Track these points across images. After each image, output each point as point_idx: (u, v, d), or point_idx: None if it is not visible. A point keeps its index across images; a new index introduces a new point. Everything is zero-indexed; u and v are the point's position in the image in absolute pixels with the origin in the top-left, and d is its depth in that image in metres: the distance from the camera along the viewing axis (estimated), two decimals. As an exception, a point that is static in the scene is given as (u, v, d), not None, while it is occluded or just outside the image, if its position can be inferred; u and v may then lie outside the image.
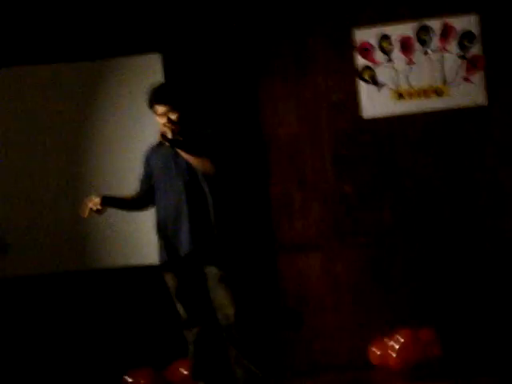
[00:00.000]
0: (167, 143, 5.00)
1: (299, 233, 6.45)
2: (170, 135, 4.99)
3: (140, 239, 6.21)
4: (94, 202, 5.02)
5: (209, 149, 5.07)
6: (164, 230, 5.12)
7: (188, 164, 5.07)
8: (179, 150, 5.01)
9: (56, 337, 6.32)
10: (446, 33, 6.32)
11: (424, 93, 6.34)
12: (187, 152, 5.01)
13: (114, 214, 6.09)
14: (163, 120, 5.07)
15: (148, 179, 5.27)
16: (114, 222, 6.24)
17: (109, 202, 5.11)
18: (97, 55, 6.40)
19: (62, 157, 6.45)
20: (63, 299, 6.37)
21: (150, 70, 6.28)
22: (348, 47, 6.41)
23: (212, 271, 5.08)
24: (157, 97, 5.10)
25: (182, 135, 5.03)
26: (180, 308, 5.16)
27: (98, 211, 5.03)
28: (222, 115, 6.33)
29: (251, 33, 6.49)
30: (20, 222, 6.38)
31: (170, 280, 5.16)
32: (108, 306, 6.36)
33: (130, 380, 5.90)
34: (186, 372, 5.73)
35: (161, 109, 5.07)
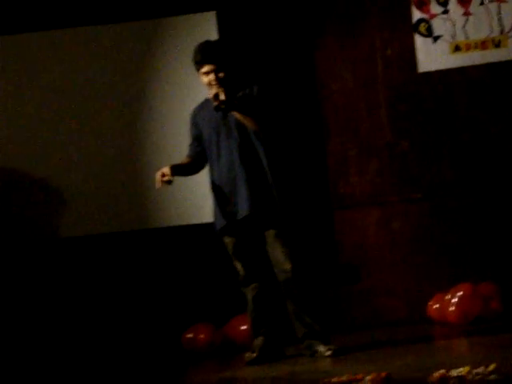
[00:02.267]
0: (221, 105, 4.97)
1: (356, 189, 6.43)
2: (223, 96, 4.97)
3: (197, 199, 6.25)
4: (166, 173, 5.04)
5: (258, 107, 5.05)
6: (220, 194, 5.14)
7: (238, 124, 5.06)
8: (233, 112, 5.00)
9: (117, 295, 6.40)
10: (503, -18, 6.21)
11: (481, 44, 6.25)
12: (239, 112, 5.00)
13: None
14: (207, 79, 5.06)
15: (198, 141, 5.26)
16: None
17: (176, 170, 5.12)
18: (151, 14, 6.41)
19: (119, 118, 6.50)
20: (123, 259, 6.44)
21: (205, 28, 6.28)
22: (403, 0, 6.34)
23: (268, 229, 5.10)
24: (203, 55, 5.08)
25: (229, 95, 5.01)
26: (238, 266, 5.20)
27: (169, 182, 5.06)
28: (278, 74, 6.30)
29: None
30: (80, 183, 6.46)
31: (227, 239, 5.20)
32: (168, 264, 6.42)
33: (189, 335, 5.97)
34: (244, 327, 5.77)
35: (207, 67, 5.06)
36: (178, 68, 6.37)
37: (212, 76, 5.04)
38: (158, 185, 5.08)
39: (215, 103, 4.98)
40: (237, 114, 5.00)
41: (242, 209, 5.06)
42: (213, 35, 6.15)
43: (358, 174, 6.44)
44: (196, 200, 6.28)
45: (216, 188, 5.16)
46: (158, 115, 6.48)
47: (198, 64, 5.10)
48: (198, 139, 5.27)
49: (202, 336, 5.92)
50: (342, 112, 6.47)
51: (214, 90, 5.01)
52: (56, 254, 6.44)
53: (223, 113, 5.04)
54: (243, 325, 5.80)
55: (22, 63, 6.51)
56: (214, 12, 6.35)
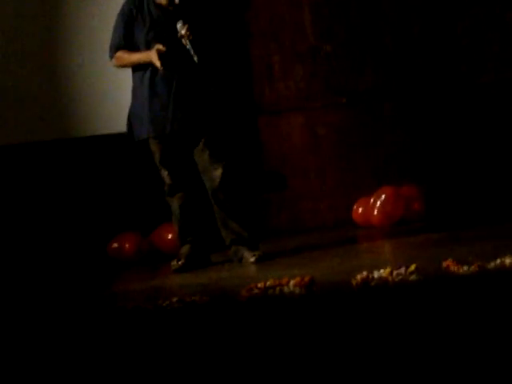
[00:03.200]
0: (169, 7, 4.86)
1: (280, 95, 6.39)
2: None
3: (119, 107, 6.15)
4: (161, 49, 4.88)
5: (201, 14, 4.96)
6: (151, 102, 5.01)
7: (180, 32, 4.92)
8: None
9: (41, 205, 6.31)
10: None
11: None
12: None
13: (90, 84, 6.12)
14: None
15: (130, 36, 5.07)
16: (93, 91, 6.20)
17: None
18: None
19: (40, 17, 6.28)
20: (48, 168, 6.33)
21: None
22: None
23: (198, 136, 5.05)
24: None
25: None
26: (164, 174, 5.14)
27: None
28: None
29: None
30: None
31: (154, 147, 5.12)
32: (93, 174, 6.33)
33: (115, 245, 5.94)
34: (170, 236, 5.76)
35: None
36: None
37: None
38: (159, 64, 4.89)
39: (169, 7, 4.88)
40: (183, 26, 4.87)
41: (173, 122, 4.97)
42: None
43: (282, 80, 6.38)
44: (118, 108, 6.17)
45: (146, 95, 5.02)
46: (82, 12, 6.27)
47: None
48: (130, 34, 5.08)
49: (127, 245, 5.90)
50: (264, 15, 6.36)
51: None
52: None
53: (171, 16, 4.91)
54: (170, 233, 5.79)
55: None
56: None
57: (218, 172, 5.03)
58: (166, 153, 5.10)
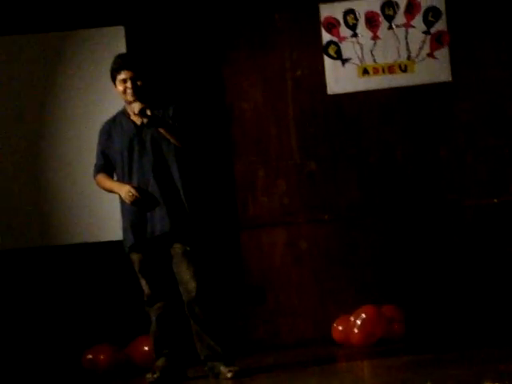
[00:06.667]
0: (145, 119, 4.93)
1: (263, 209, 6.42)
2: (149, 112, 4.91)
3: (100, 217, 6.16)
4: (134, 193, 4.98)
5: (178, 123, 5.02)
6: (130, 211, 5.05)
7: (153, 141, 5.01)
8: (159, 128, 4.95)
9: (19, 313, 6.25)
10: (411, 8, 6.30)
11: (389, 69, 6.32)
12: (161, 127, 4.96)
13: (75, 191, 6.15)
14: (123, 86, 5.00)
15: (107, 158, 5.18)
16: (76, 199, 6.22)
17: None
18: (61, 27, 6.33)
19: (24, 128, 6.36)
20: (27, 276, 6.29)
21: (114, 42, 6.22)
22: (314, 22, 6.39)
23: (176, 246, 5.04)
24: (122, 62, 5.03)
25: (153, 110, 4.95)
26: (143, 283, 5.11)
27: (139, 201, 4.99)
28: (185, 89, 6.27)
29: (217, 6, 6.43)
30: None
31: (134, 256, 5.11)
32: (71, 282, 6.29)
33: (90, 356, 5.85)
34: (147, 348, 5.68)
35: (124, 74, 5.01)
36: (87, 79, 6.30)
37: (129, 84, 4.99)
38: (129, 200, 4.98)
39: (143, 119, 4.94)
40: (162, 130, 4.95)
41: (155, 227, 4.99)
42: (121, 49, 6.10)
43: (266, 195, 6.42)
44: (100, 218, 6.19)
45: (126, 206, 5.06)
46: (65, 127, 6.36)
47: (116, 71, 5.03)
48: (107, 155, 5.17)
49: (102, 356, 5.81)
50: (251, 131, 6.45)
51: (136, 105, 4.94)
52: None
53: (146, 127, 4.97)
54: (146, 345, 5.71)
55: None
56: (123, 27, 6.30)
57: (194, 285, 5.01)
58: (145, 261, 5.08)
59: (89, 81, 6.30)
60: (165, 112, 5.08)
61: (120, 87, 5.05)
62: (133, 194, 4.98)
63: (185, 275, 5.02)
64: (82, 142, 6.19)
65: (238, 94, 6.45)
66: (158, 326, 5.13)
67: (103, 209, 6.06)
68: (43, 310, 6.23)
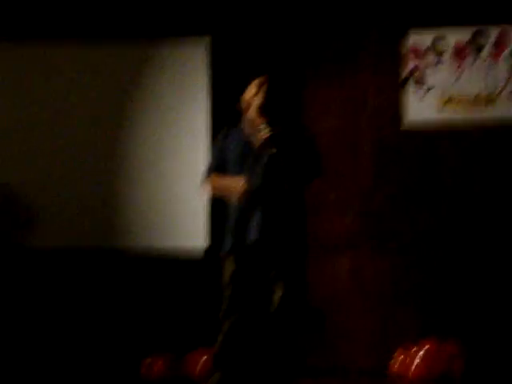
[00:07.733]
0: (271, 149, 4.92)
1: (331, 234, 6.36)
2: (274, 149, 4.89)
3: (170, 222, 6.18)
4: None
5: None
6: (234, 215, 5.02)
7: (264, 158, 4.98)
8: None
9: (80, 314, 6.30)
10: (501, 41, 6.19)
11: (473, 100, 6.22)
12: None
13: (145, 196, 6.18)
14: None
15: (222, 165, 5.15)
16: (146, 204, 6.26)
17: None
18: (145, 35, 6.40)
19: (100, 132, 6.43)
20: (89, 275, 6.33)
21: (197, 51, 6.26)
22: (398, 50, 6.32)
23: (271, 266, 4.98)
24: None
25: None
26: (228, 293, 5.03)
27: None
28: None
29: (302, 30, 6.42)
30: (51, 196, 6.37)
31: (228, 265, 5.05)
32: (134, 287, 6.32)
33: (146, 364, 5.87)
34: (204, 360, 5.67)
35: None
36: (166, 87, 6.34)
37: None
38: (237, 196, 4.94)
39: (268, 150, 4.89)
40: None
41: (253, 233, 4.95)
42: (203, 58, 6.12)
43: (334, 219, 6.37)
44: (168, 224, 6.21)
45: (232, 209, 5.05)
46: (141, 134, 6.41)
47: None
48: (220, 164, 5.15)
49: (158, 365, 5.82)
50: (325, 156, 6.40)
51: (263, 131, 4.91)
52: (21, 265, 6.32)
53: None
54: (204, 357, 5.70)
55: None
56: (209, 37, 6.32)
57: (277, 307, 4.93)
58: (237, 274, 5.03)
59: (168, 88, 6.33)
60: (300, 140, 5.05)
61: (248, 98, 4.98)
62: (245, 185, 4.90)
63: (272, 296, 4.96)
64: (157, 148, 6.23)
65: (316, 116, 6.42)
66: (226, 339, 5.07)
67: (173, 215, 6.08)
68: (108, 315, 6.26)
